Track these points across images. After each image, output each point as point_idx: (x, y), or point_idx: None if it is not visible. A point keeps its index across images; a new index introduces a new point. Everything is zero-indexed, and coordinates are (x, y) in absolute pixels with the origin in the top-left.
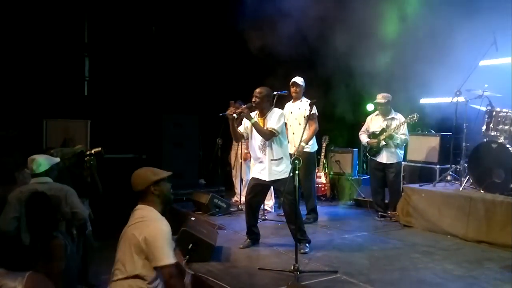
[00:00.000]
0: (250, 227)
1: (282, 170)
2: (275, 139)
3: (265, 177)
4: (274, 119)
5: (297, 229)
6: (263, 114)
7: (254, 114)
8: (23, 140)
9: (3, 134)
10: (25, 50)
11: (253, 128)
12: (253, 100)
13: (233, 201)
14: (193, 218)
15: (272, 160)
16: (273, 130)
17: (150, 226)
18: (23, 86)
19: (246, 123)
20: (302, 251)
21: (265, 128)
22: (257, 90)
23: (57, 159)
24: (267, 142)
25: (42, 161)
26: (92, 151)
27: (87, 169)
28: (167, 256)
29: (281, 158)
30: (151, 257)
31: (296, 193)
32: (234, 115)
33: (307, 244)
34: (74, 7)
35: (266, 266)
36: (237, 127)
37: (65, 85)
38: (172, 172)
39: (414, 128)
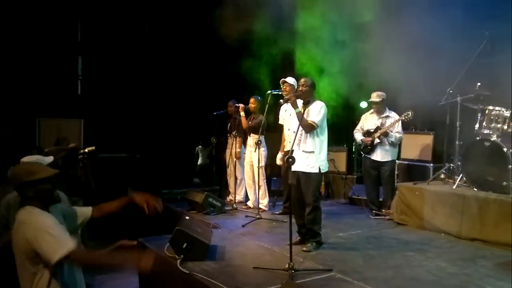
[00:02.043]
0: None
1: (309, 164)
2: (313, 131)
3: (295, 167)
4: (315, 111)
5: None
6: (306, 104)
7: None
8: (16, 139)
9: None
10: (18, 49)
11: (291, 118)
12: (300, 89)
13: (228, 200)
14: (187, 217)
15: (303, 151)
16: (313, 123)
17: (30, 227)
18: (16, 85)
19: (282, 111)
20: (305, 249)
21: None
22: (303, 80)
23: (50, 159)
24: (303, 133)
25: (44, 159)
26: (86, 150)
27: (81, 168)
28: (59, 247)
29: (312, 152)
30: (44, 257)
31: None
32: (281, 100)
33: (314, 243)
34: (67, 6)
35: (261, 265)
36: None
37: (58, 84)
38: (57, 171)
39: (407, 127)
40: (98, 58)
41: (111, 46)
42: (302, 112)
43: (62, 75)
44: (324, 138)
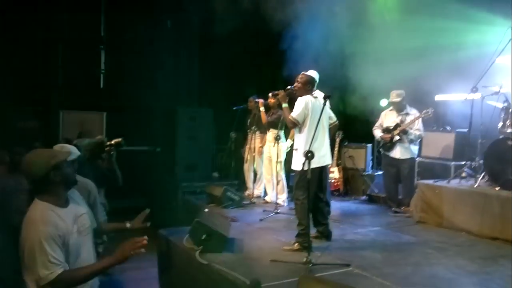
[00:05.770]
0: None
1: (295, 162)
2: (296, 128)
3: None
4: (295, 107)
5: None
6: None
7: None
8: (40, 131)
9: (21, 126)
10: (42, 44)
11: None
12: (294, 85)
13: (246, 194)
14: (206, 210)
15: (294, 148)
16: (291, 118)
17: (36, 234)
18: (40, 78)
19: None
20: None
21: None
22: (300, 75)
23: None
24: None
25: (74, 150)
26: (112, 142)
27: (108, 159)
28: (47, 271)
29: (296, 149)
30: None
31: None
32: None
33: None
34: (90, 1)
35: (279, 258)
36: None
37: (81, 78)
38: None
39: (429, 125)
40: (120, 52)
41: (133, 41)
42: (288, 108)
43: (85, 69)
44: (308, 134)
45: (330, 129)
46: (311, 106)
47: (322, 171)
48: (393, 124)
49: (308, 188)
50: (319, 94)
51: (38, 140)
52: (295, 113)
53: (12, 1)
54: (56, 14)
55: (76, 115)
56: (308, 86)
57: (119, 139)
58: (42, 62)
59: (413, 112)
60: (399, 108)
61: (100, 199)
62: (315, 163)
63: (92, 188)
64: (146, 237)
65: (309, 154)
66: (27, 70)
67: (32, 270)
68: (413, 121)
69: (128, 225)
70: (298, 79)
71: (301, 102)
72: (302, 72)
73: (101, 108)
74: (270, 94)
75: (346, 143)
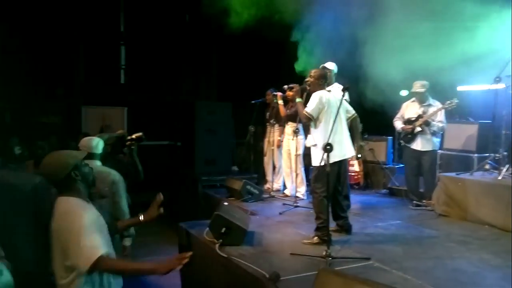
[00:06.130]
0: None
1: (314, 157)
2: (311, 124)
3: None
4: (310, 102)
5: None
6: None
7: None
8: (63, 126)
9: (45, 121)
10: (65, 41)
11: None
12: (307, 80)
13: (266, 188)
14: (226, 203)
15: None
16: (306, 113)
17: (71, 224)
18: (63, 75)
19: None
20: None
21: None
22: (312, 71)
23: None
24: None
25: (101, 142)
26: (134, 136)
27: (129, 154)
28: (88, 255)
29: (315, 145)
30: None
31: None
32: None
33: (315, 238)
34: None
35: (298, 252)
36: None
37: (102, 73)
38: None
39: (451, 116)
40: (140, 48)
41: (153, 36)
42: (302, 102)
43: (106, 64)
44: (325, 128)
45: (351, 122)
46: (326, 100)
47: (342, 165)
48: (415, 115)
49: (328, 181)
50: (337, 86)
51: (55, 135)
52: (310, 108)
53: (34, 1)
54: (77, 11)
55: (97, 110)
56: (321, 81)
57: (140, 134)
58: (64, 58)
59: (436, 104)
60: (422, 99)
61: None
62: (335, 157)
63: (115, 178)
64: (191, 252)
65: (328, 147)
66: (50, 67)
67: (73, 255)
68: (436, 112)
69: (141, 218)
70: (312, 74)
71: (316, 97)
72: (314, 70)
73: (122, 103)
74: (285, 87)
75: (366, 136)
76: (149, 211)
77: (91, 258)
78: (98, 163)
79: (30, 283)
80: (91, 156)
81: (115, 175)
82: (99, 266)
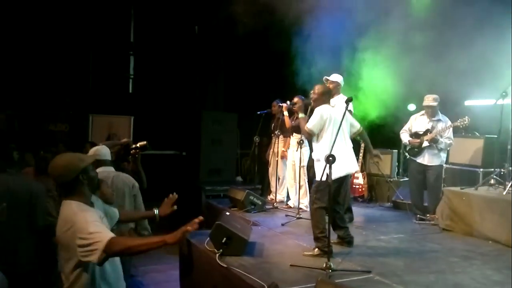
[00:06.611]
0: None
1: (318, 172)
2: (313, 138)
3: None
4: (311, 117)
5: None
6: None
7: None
8: (70, 134)
9: (52, 129)
10: (73, 50)
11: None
12: (310, 96)
13: (269, 199)
14: (227, 213)
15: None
16: (306, 129)
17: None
18: (71, 83)
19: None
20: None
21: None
22: (315, 87)
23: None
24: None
25: (107, 150)
26: (138, 145)
27: (133, 162)
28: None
29: (318, 160)
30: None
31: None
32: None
33: (316, 249)
34: (120, 8)
35: (298, 263)
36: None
37: (111, 82)
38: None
39: (457, 130)
40: (149, 58)
41: (161, 47)
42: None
43: (115, 74)
44: (326, 143)
45: (360, 136)
46: (327, 116)
47: (344, 180)
48: (423, 129)
49: (329, 192)
50: (342, 97)
51: (62, 143)
52: (311, 124)
53: (45, 10)
54: (87, 21)
55: (104, 119)
56: (325, 97)
57: (144, 142)
58: (73, 67)
59: (444, 119)
60: (432, 113)
61: None
62: (337, 173)
63: (134, 182)
64: (201, 217)
65: (330, 158)
66: (59, 75)
67: (83, 243)
68: (445, 129)
69: (156, 211)
70: (315, 90)
71: (317, 113)
72: (317, 87)
73: (129, 112)
74: (288, 102)
75: None
76: (163, 206)
77: (103, 241)
78: (112, 169)
79: (28, 285)
80: (104, 163)
81: (132, 179)
82: (112, 247)
